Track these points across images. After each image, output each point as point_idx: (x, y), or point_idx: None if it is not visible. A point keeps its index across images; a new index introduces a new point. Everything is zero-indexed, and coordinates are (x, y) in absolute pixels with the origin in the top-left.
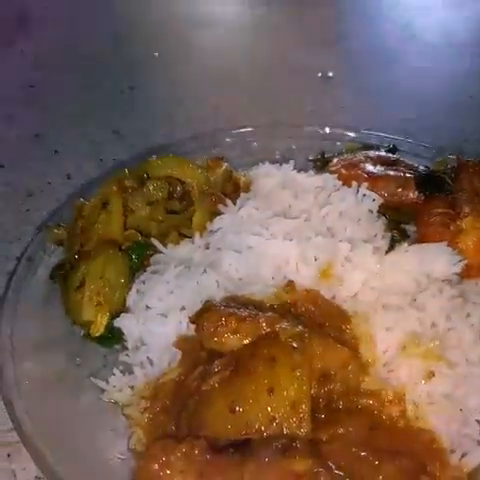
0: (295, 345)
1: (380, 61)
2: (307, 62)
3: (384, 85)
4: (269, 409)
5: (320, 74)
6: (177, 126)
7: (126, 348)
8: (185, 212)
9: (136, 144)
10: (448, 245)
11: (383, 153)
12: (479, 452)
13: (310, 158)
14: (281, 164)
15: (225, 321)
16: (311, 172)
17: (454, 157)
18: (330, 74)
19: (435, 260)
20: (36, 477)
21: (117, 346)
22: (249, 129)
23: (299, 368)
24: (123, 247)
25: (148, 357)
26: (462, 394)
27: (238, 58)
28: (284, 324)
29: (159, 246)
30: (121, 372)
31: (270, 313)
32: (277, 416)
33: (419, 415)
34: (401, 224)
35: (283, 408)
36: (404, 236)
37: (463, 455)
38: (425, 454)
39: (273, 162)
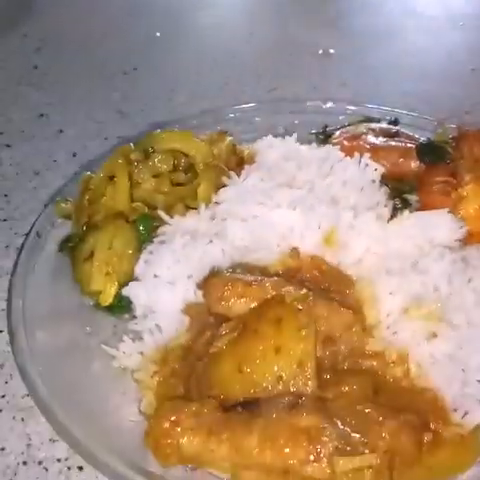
0: (300, 307)
1: (381, 36)
2: (308, 39)
3: (385, 60)
4: (276, 368)
5: (321, 51)
6: (180, 105)
7: (135, 317)
8: (190, 184)
9: (140, 123)
10: (449, 212)
11: (385, 125)
12: None
13: (313, 131)
14: (284, 137)
15: (231, 286)
16: (314, 144)
17: (455, 126)
18: (331, 51)
19: (437, 227)
20: (50, 440)
21: (126, 315)
22: (252, 105)
23: (305, 328)
24: (130, 219)
25: (157, 324)
26: (464, 355)
27: (240, 36)
28: (289, 288)
29: (165, 218)
30: (131, 339)
31: (276, 277)
32: (284, 375)
33: (422, 375)
34: (403, 194)
35: (290, 367)
36: (406, 204)
37: (465, 414)
38: (428, 412)
39: (276, 136)
